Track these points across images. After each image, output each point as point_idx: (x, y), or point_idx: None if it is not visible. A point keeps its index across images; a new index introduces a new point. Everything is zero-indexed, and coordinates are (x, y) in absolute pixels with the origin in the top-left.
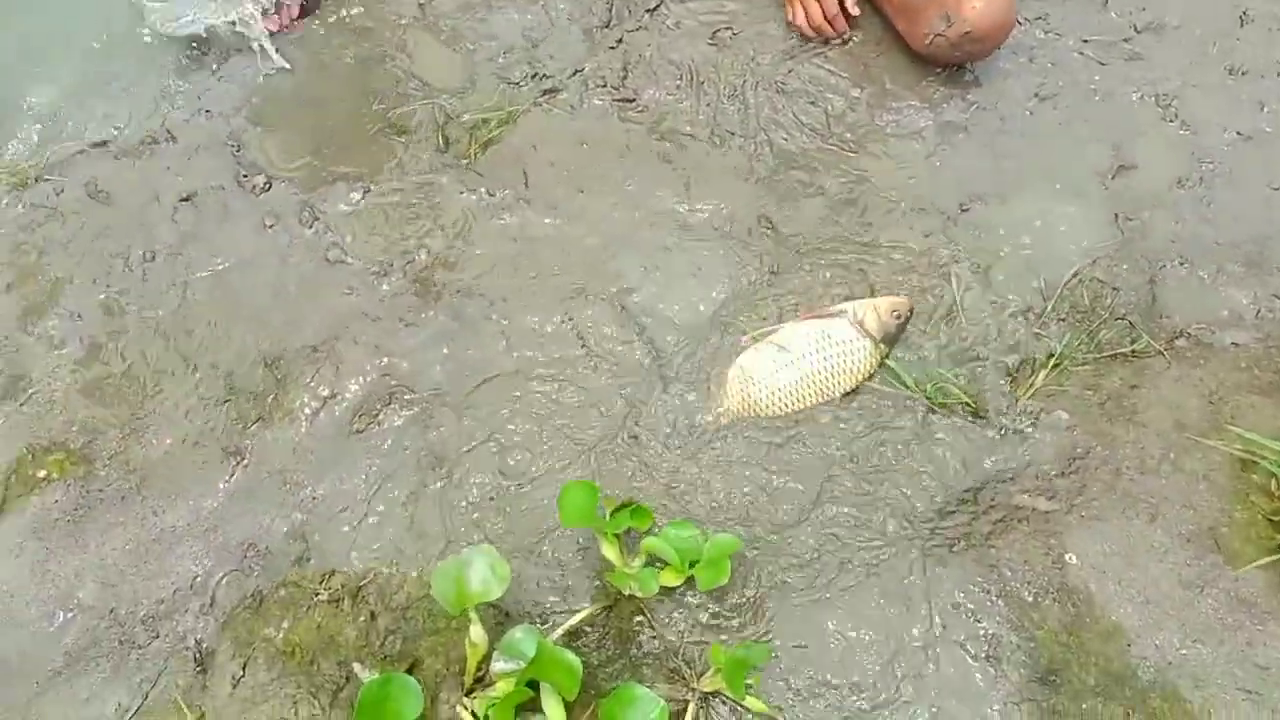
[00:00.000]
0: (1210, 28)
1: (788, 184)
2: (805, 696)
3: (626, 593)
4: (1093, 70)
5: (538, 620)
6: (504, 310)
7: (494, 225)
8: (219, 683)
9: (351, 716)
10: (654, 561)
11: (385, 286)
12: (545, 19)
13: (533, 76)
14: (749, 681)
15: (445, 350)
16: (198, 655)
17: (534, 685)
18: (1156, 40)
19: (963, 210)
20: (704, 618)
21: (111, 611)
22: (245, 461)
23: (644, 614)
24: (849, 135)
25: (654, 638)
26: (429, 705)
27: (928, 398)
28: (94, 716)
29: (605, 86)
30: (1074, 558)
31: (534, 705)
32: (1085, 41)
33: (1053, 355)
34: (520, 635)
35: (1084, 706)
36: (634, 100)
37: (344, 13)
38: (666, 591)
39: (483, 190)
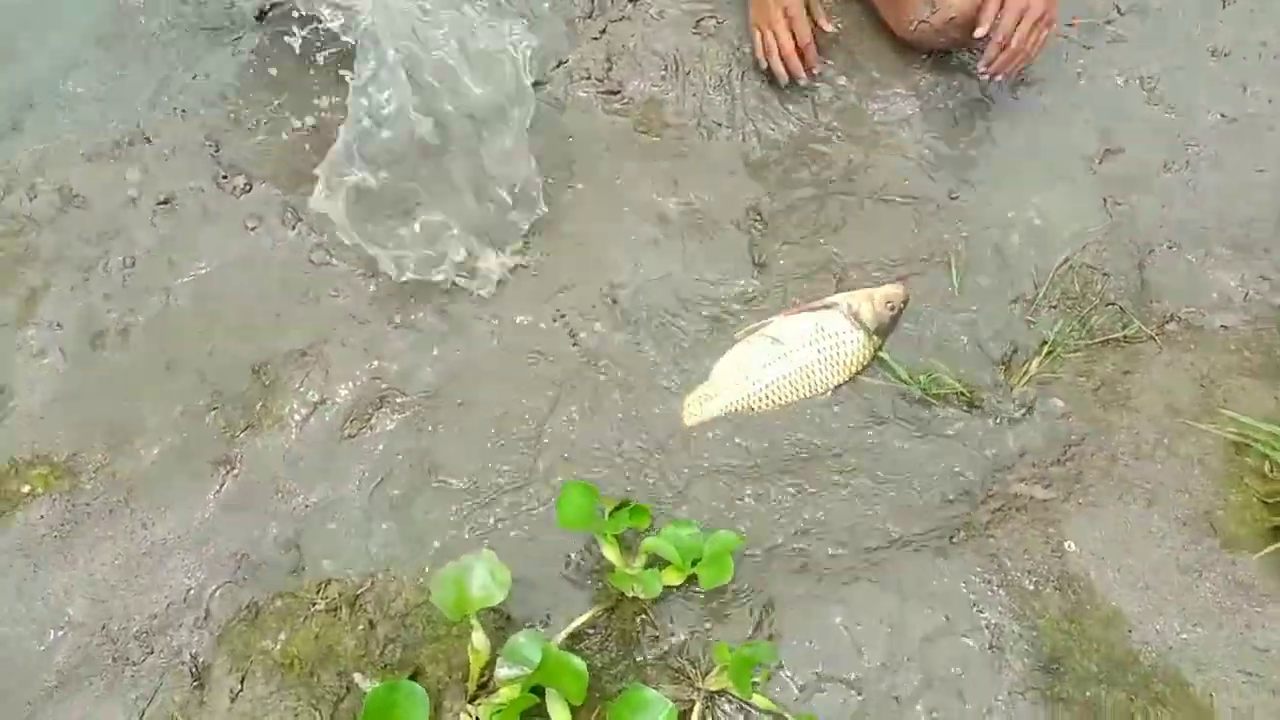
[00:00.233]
0: (1192, 9)
1: (776, 174)
2: (810, 692)
3: (629, 594)
4: (1077, 54)
5: (539, 624)
6: (493, 309)
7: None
8: (217, 697)
9: None
10: (655, 561)
11: (372, 288)
12: (527, 9)
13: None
14: (755, 679)
15: (435, 351)
16: (194, 670)
17: (538, 690)
18: (1140, 22)
19: (951, 198)
20: (707, 616)
21: (103, 628)
22: (235, 470)
23: (646, 614)
24: (837, 124)
25: (657, 638)
26: (433, 713)
27: (921, 389)
28: None
29: (589, 79)
30: (1073, 545)
31: (539, 710)
32: (1069, 25)
33: (1045, 343)
34: (524, 641)
35: (1087, 693)
36: (619, 92)
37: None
38: (668, 590)
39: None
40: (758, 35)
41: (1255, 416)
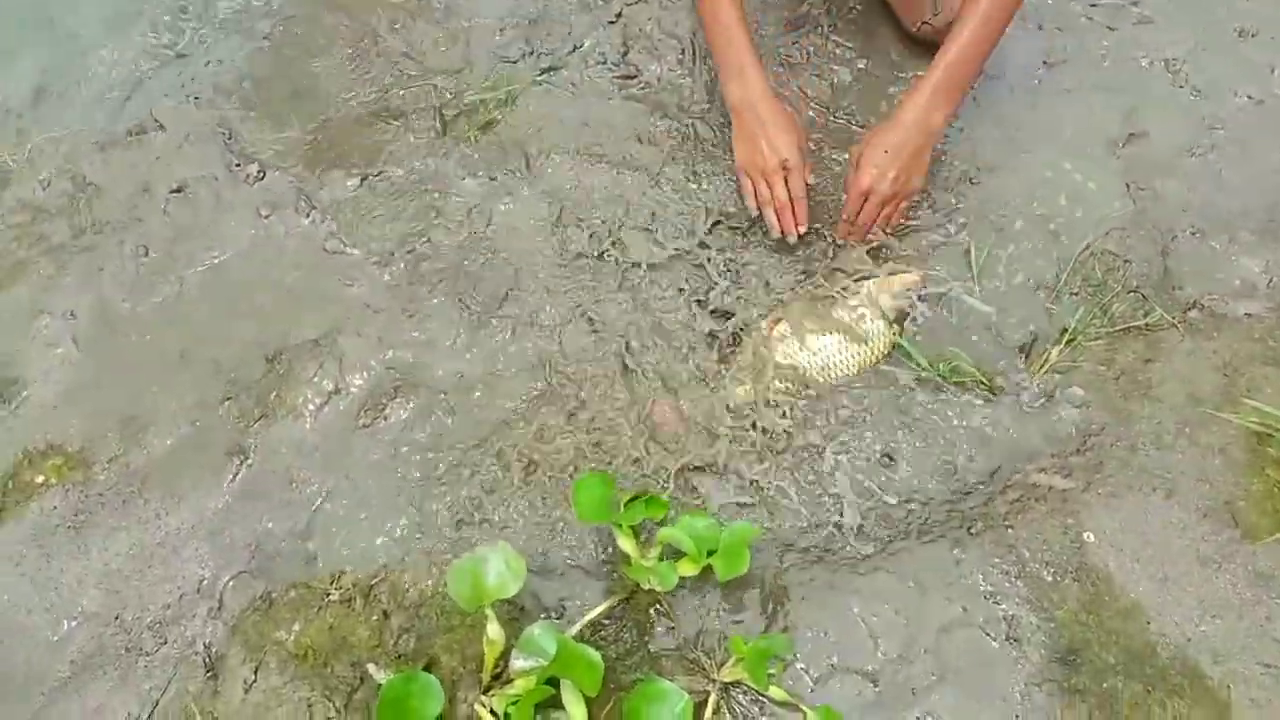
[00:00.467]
0: None
1: None
2: (825, 684)
3: (645, 586)
4: (1101, 35)
5: (553, 615)
6: (510, 297)
7: (496, 210)
8: (231, 688)
9: (369, 717)
10: (670, 552)
11: (387, 276)
12: None
13: (530, 54)
14: (771, 671)
15: (450, 342)
16: (207, 660)
17: (553, 682)
18: (1166, 3)
19: (972, 182)
20: (722, 608)
21: (117, 618)
22: (249, 460)
23: (661, 605)
24: (856, 108)
25: (672, 629)
26: (447, 704)
27: (941, 376)
28: None
29: (605, 63)
30: (1092, 536)
31: (554, 702)
32: (1093, 5)
33: (1066, 330)
34: (539, 632)
35: (1105, 685)
36: (635, 77)
37: None
38: (684, 582)
39: (483, 174)
40: (748, 182)
41: (1278, 405)
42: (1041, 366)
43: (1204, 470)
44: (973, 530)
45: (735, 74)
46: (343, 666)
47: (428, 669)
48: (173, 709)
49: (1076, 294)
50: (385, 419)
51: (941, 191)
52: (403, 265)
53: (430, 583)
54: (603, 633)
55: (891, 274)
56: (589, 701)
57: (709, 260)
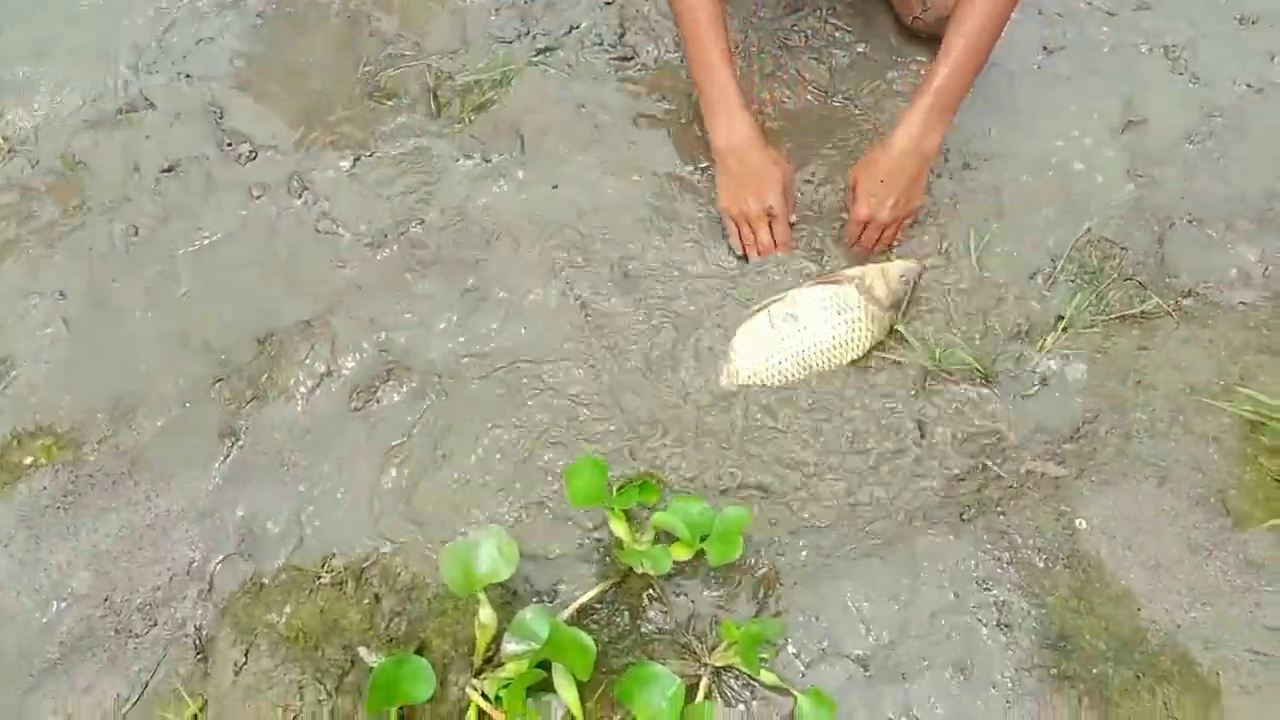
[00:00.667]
0: None
1: (792, 144)
2: (817, 668)
3: (637, 570)
4: (1101, 22)
5: (545, 598)
6: (502, 281)
7: (490, 192)
8: (221, 670)
9: (359, 700)
10: (663, 537)
11: (379, 258)
12: None
13: (526, 35)
14: (763, 655)
15: (443, 324)
16: (198, 642)
17: (545, 665)
18: None
19: (969, 168)
20: (715, 592)
21: (106, 600)
22: (240, 442)
23: (654, 589)
24: (854, 92)
25: (665, 613)
26: (438, 688)
27: (935, 363)
28: (93, 707)
29: (602, 44)
30: (1084, 523)
31: (545, 685)
32: None
33: (1061, 318)
34: (531, 616)
35: (1095, 671)
36: (632, 58)
37: None
38: (677, 566)
39: (478, 156)
40: (733, 226)
41: (1272, 395)
42: (1037, 354)
43: (1197, 458)
44: (965, 516)
45: (721, 119)
46: (334, 649)
47: (419, 652)
48: (162, 691)
49: (1073, 281)
50: (377, 401)
51: (939, 178)
52: (395, 247)
53: (422, 566)
54: (595, 617)
55: (889, 260)
56: (581, 685)
57: (702, 242)
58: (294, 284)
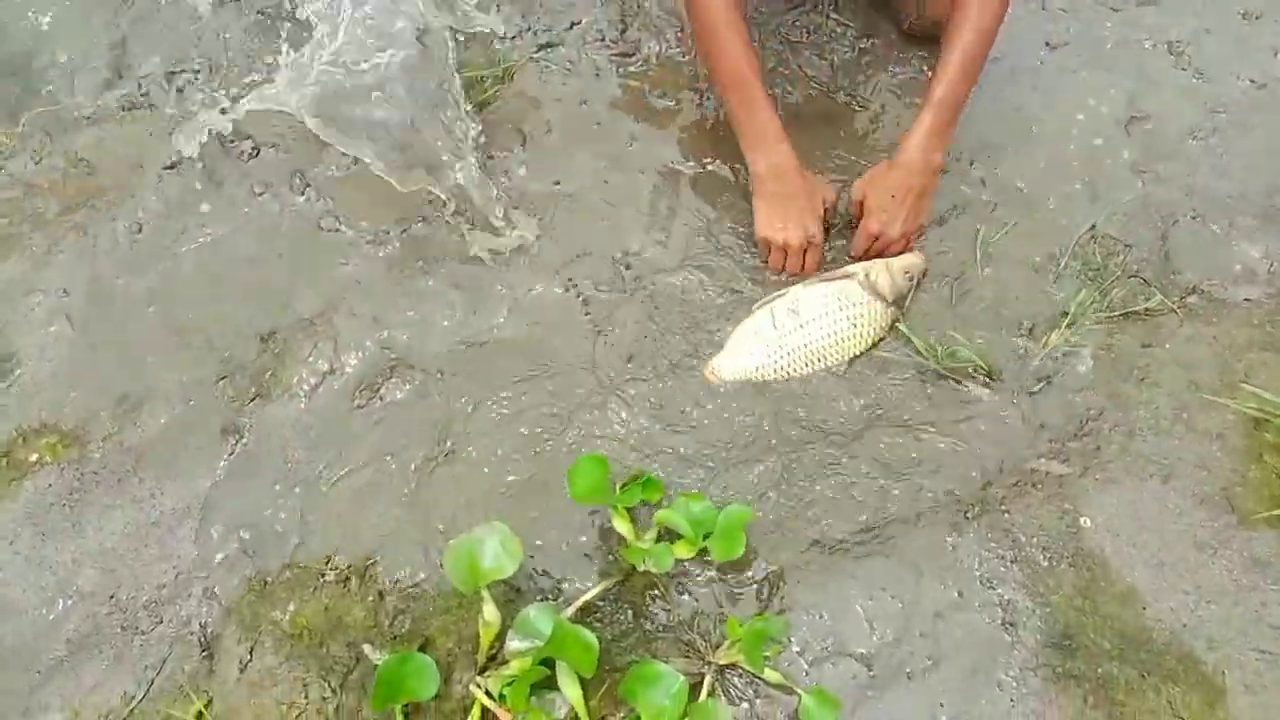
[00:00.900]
0: None
1: (794, 139)
2: (820, 667)
3: (640, 568)
4: (1104, 17)
5: (549, 596)
6: (505, 278)
7: (495, 188)
8: (226, 667)
9: (364, 698)
10: (667, 534)
11: (382, 255)
12: None
13: (528, 31)
14: (766, 654)
15: (446, 321)
16: (203, 640)
17: (549, 663)
18: None
19: (973, 164)
20: (718, 590)
21: (112, 597)
22: (244, 439)
23: (657, 587)
24: (855, 87)
25: (668, 611)
26: (443, 685)
27: (938, 361)
28: (99, 705)
29: (603, 41)
30: (1088, 521)
31: (549, 683)
32: None
33: (1065, 315)
34: (535, 613)
35: (1100, 670)
36: (633, 54)
37: None
38: (680, 564)
39: (480, 151)
40: (771, 253)
41: (1276, 392)
42: (1040, 351)
43: (1201, 456)
44: (969, 515)
45: (759, 142)
46: (338, 647)
47: (423, 650)
48: (168, 688)
49: (1076, 278)
50: (380, 399)
51: (944, 173)
52: (397, 244)
53: (426, 564)
54: (598, 614)
55: (893, 255)
56: (584, 683)
57: (707, 239)
58: (297, 281)
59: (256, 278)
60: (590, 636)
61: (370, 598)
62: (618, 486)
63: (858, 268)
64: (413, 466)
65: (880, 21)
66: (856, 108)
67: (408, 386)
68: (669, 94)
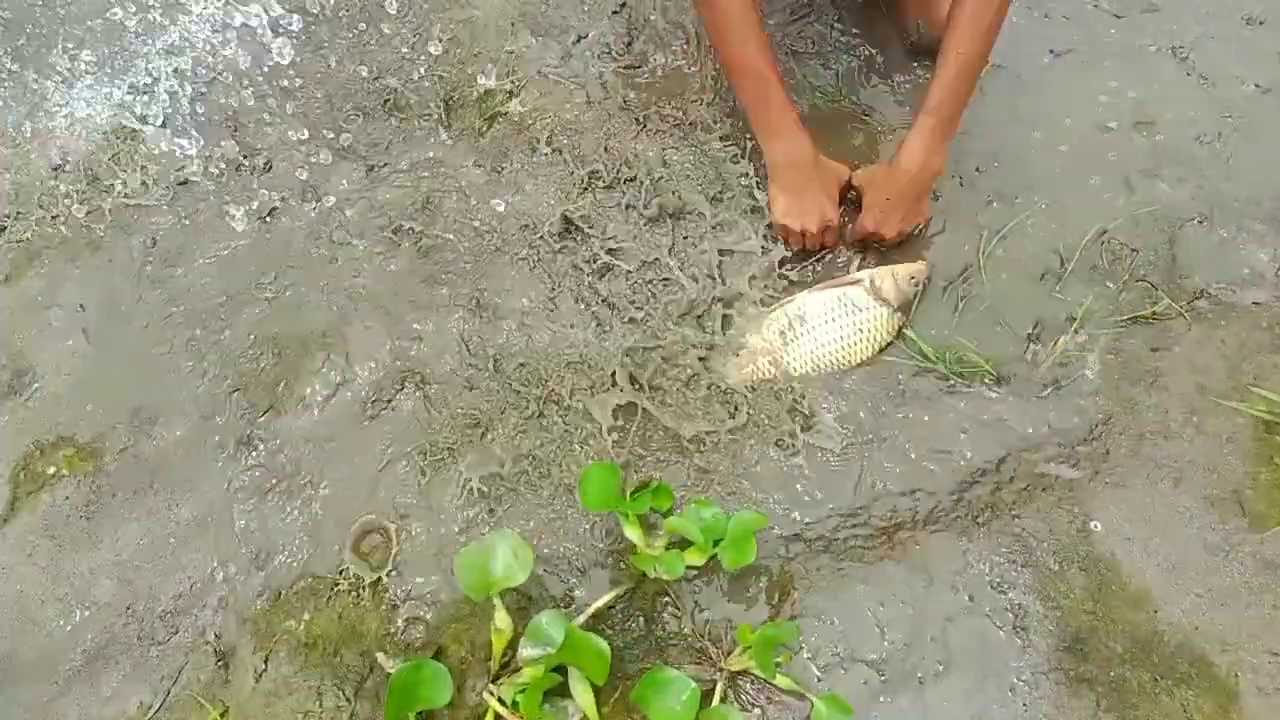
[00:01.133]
0: None
1: None
2: (832, 672)
3: (651, 575)
4: (1108, 24)
5: (560, 604)
6: (516, 288)
7: (502, 200)
8: (242, 677)
9: (378, 706)
10: (677, 541)
11: (393, 268)
12: None
13: (536, 44)
14: (778, 660)
15: (457, 332)
16: (218, 650)
17: (561, 670)
18: None
19: (979, 171)
20: (729, 596)
21: (129, 608)
22: (258, 451)
23: (668, 594)
24: (861, 97)
25: (679, 618)
26: (455, 693)
27: (946, 366)
28: (116, 715)
29: (610, 53)
30: (1099, 525)
31: (561, 690)
32: None
33: (1073, 320)
34: (547, 620)
35: (1112, 674)
36: (640, 67)
37: None
38: (691, 570)
39: (488, 165)
40: (788, 236)
41: None
42: (1048, 356)
43: (1211, 459)
44: (980, 520)
45: (776, 132)
46: (352, 655)
47: (436, 657)
48: (185, 697)
49: (1084, 283)
50: (392, 409)
51: (948, 180)
52: (408, 257)
53: (438, 572)
54: (610, 621)
55: (898, 262)
56: (596, 690)
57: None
58: (309, 294)
59: (269, 290)
60: (602, 643)
61: (383, 606)
62: (628, 493)
63: (863, 274)
64: (424, 475)
65: (884, 33)
66: (861, 117)
67: (420, 397)
68: (677, 105)
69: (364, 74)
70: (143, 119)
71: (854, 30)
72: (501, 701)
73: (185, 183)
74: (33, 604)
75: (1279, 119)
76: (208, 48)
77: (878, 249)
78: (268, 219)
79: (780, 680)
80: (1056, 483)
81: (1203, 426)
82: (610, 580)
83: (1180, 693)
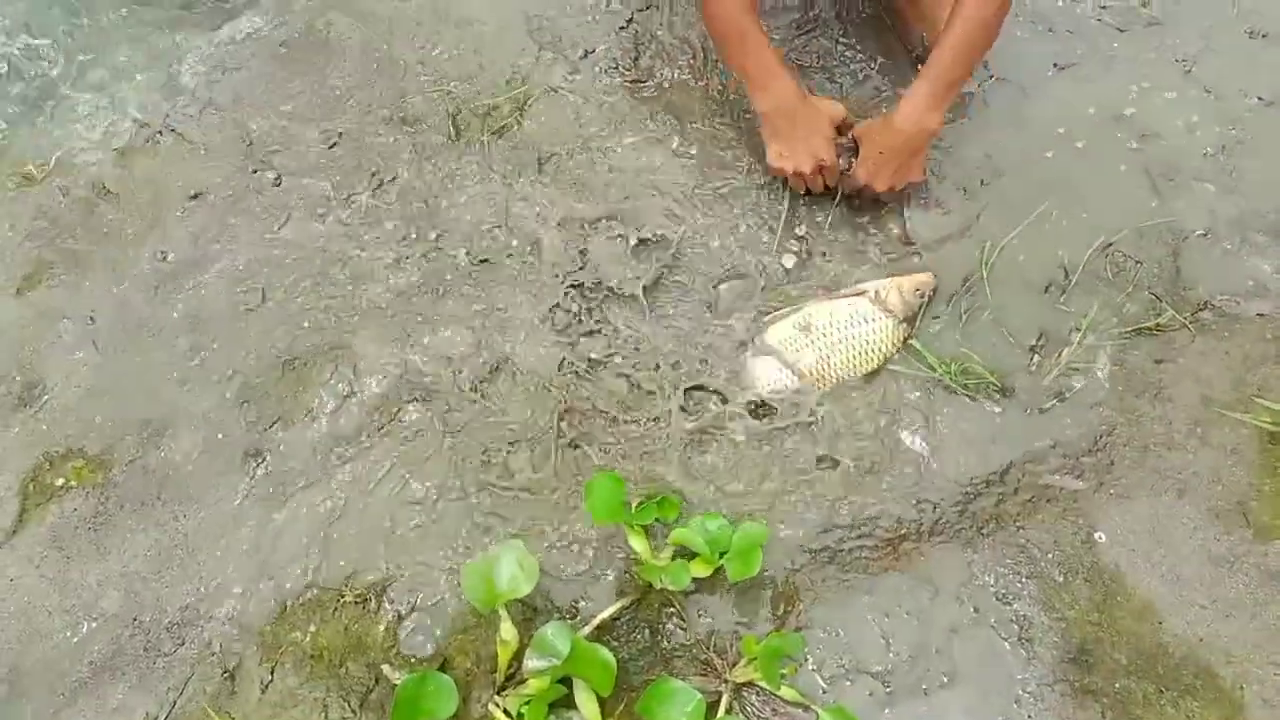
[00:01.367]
0: None
1: None
2: (837, 684)
3: (657, 586)
4: (1111, 37)
5: (565, 615)
6: (524, 300)
7: (510, 215)
8: (247, 688)
9: (384, 717)
10: (683, 553)
11: (401, 280)
12: None
13: (543, 59)
14: (783, 671)
15: (465, 344)
16: (225, 662)
17: (566, 681)
18: (1176, 4)
19: (983, 183)
20: (734, 608)
21: (135, 620)
22: (266, 462)
23: (673, 605)
24: (864, 110)
25: (684, 629)
26: (461, 704)
27: (951, 377)
28: None
29: (617, 68)
30: (1103, 536)
31: (567, 701)
32: (1104, 7)
33: (1077, 331)
34: (552, 632)
35: (1117, 686)
36: (647, 81)
37: None
38: (696, 582)
39: (496, 179)
40: (783, 177)
41: None
42: (1052, 367)
43: (1216, 470)
44: (984, 531)
45: (762, 84)
46: (358, 667)
47: (442, 669)
48: (191, 709)
49: (1088, 294)
50: (400, 421)
51: (953, 191)
52: (417, 270)
53: (444, 584)
54: (615, 633)
55: (903, 273)
56: (602, 701)
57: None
58: (317, 307)
59: (278, 303)
60: (607, 655)
61: (390, 618)
62: (634, 504)
63: (868, 285)
64: (431, 487)
65: (888, 47)
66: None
67: (427, 409)
68: (684, 119)
69: (372, 89)
70: (157, 135)
71: (859, 44)
72: (507, 713)
73: (196, 196)
74: (40, 615)
75: None
76: (220, 60)
77: (873, 200)
78: (278, 233)
79: (785, 692)
80: (1061, 494)
81: (1207, 438)
82: (616, 591)
83: (1185, 704)
